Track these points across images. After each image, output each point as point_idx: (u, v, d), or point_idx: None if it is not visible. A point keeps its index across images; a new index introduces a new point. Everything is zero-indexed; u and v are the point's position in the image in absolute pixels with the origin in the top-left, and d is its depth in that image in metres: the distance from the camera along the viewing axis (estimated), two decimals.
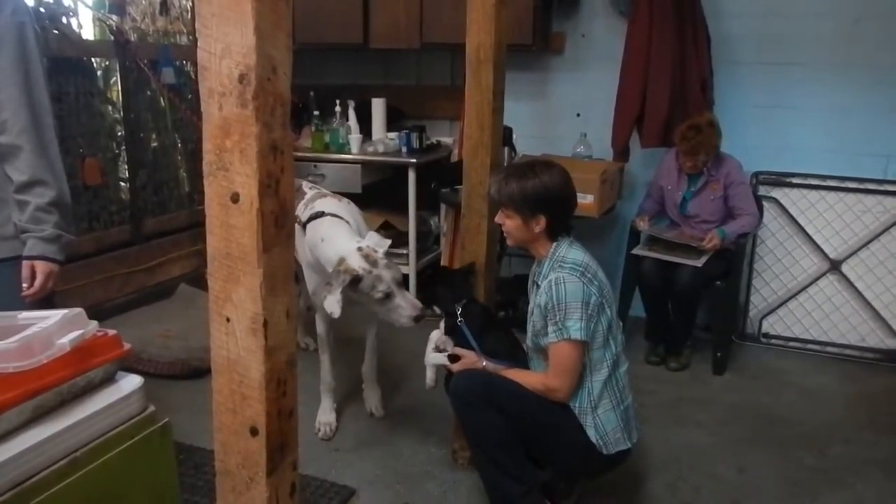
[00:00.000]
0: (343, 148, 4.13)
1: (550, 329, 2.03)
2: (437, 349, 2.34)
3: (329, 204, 2.67)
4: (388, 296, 2.34)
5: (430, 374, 2.36)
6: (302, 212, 2.68)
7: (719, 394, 3.25)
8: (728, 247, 3.39)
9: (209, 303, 1.05)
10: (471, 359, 2.23)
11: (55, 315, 1.24)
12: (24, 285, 1.79)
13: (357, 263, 2.33)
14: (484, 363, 2.20)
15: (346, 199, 2.83)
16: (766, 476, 2.59)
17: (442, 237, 4.12)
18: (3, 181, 1.82)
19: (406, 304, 2.37)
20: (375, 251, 2.39)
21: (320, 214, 2.57)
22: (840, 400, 3.22)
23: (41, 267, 1.81)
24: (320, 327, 2.79)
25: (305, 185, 3.00)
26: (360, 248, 2.38)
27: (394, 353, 3.07)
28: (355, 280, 2.30)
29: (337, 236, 2.47)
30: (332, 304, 2.28)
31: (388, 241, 2.51)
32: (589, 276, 2.04)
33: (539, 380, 2.09)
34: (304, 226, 2.58)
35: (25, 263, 1.80)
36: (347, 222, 2.59)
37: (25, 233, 1.81)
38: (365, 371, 2.97)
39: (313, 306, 2.77)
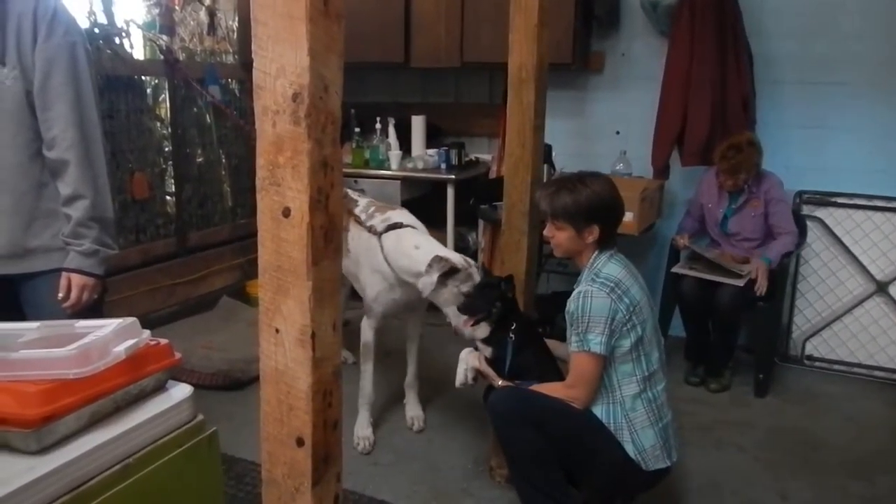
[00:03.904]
0: (383, 164, 4.20)
1: (573, 338, 2.06)
2: (475, 349, 2.37)
3: (403, 215, 2.82)
4: (468, 295, 2.46)
5: (460, 373, 2.38)
6: (364, 220, 2.83)
7: (761, 417, 3.19)
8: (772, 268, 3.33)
9: (259, 314, 1.07)
10: (491, 376, 2.27)
11: (110, 324, 1.28)
12: (60, 295, 1.85)
13: (457, 259, 2.50)
14: (499, 383, 2.23)
15: (404, 209, 2.95)
16: None
17: (480, 253, 4.13)
18: (56, 195, 1.89)
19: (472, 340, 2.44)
20: (469, 261, 2.59)
21: (399, 225, 2.71)
22: (887, 427, 3.13)
23: (76, 280, 1.87)
24: (367, 335, 2.84)
25: (352, 193, 3.11)
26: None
27: (431, 368, 3.08)
28: (452, 270, 2.46)
29: (431, 244, 2.64)
30: (427, 283, 2.49)
31: None
32: (619, 292, 2.04)
33: (558, 389, 2.11)
34: (379, 235, 2.69)
35: (63, 276, 1.87)
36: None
37: (68, 246, 1.88)
38: (408, 383, 3.00)
39: (369, 313, 2.85)
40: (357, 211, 2.91)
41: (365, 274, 2.80)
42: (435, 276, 2.45)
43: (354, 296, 3.63)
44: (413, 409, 3.00)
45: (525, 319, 2.40)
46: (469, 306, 2.41)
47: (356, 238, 2.85)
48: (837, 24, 3.54)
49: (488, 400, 2.21)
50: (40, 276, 1.91)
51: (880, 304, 3.62)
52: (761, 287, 3.23)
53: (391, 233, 2.68)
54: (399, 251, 2.61)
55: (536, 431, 2.04)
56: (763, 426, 3.09)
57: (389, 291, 2.73)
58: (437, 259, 2.47)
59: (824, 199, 3.69)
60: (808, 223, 3.66)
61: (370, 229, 2.74)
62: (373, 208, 2.92)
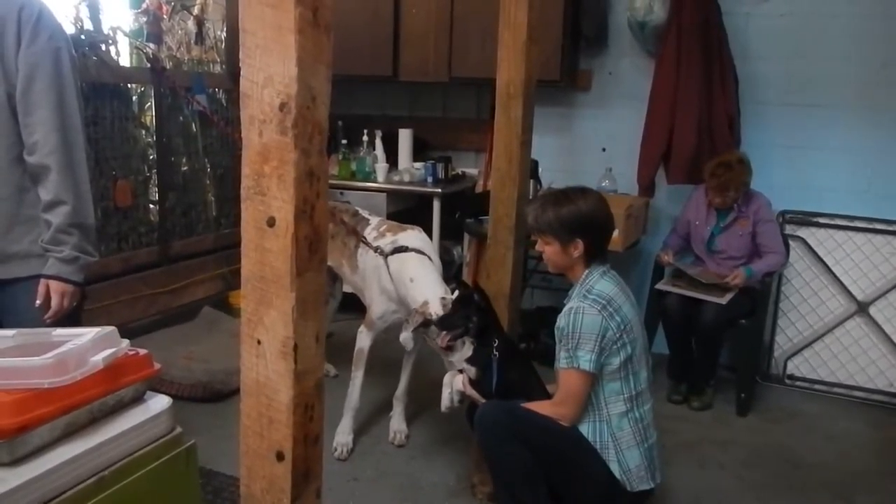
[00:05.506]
0: (369, 176, 4.19)
1: (562, 354, 2.05)
2: (461, 371, 2.36)
3: (411, 238, 2.78)
4: (449, 347, 2.42)
5: (445, 396, 2.39)
6: (373, 238, 2.83)
7: (742, 436, 3.19)
8: (753, 285, 3.35)
9: (241, 325, 1.05)
10: (475, 398, 2.27)
11: (89, 332, 1.25)
12: (38, 302, 1.82)
13: (434, 309, 2.46)
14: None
15: (417, 229, 2.91)
16: None
17: (465, 267, 4.13)
18: (37, 201, 1.86)
19: (459, 364, 2.42)
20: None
21: (405, 249, 2.69)
22: (867, 446, 3.15)
23: (55, 287, 1.84)
24: (363, 342, 2.83)
25: (363, 211, 3.12)
26: (443, 298, 2.51)
27: (416, 383, 3.06)
28: (426, 323, 2.45)
29: (426, 279, 2.61)
30: (406, 339, 2.63)
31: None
32: (611, 310, 2.04)
33: (546, 406, 2.10)
34: (385, 256, 2.69)
35: (42, 282, 1.84)
36: (430, 258, 2.72)
37: (48, 252, 1.85)
38: (397, 396, 2.99)
39: (370, 326, 2.86)
40: (369, 229, 2.92)
41: (372, 292, 2.81)
42: (410, 331, 2.50)
43: (342, 308, 3.64)
44: (398, 423, 2.97)
45: (507, 338, 2.38)
46: (446, 322, 2.39)
47: (364, 255, 2.86)
48: (820, 47, 3.59)
49: (475, 413, 2.19)
50: (19, 282, 1.87)
51: (861, 324, 3.65)
52: (735, 278, 3.28)
53: (396, 256, 2.68)
54: (400, 279, 2.63)
55: (523, 447, 2.03)
56: (745, 445, 3.09)
57: (396, 312, 2.75)
58: (413, 312, 2.49)
59: (806, 219, 3.72)
60: (791, 243, 3.69)
61: (377, 250, 2.74)
62: (384, 227, 2.92)
